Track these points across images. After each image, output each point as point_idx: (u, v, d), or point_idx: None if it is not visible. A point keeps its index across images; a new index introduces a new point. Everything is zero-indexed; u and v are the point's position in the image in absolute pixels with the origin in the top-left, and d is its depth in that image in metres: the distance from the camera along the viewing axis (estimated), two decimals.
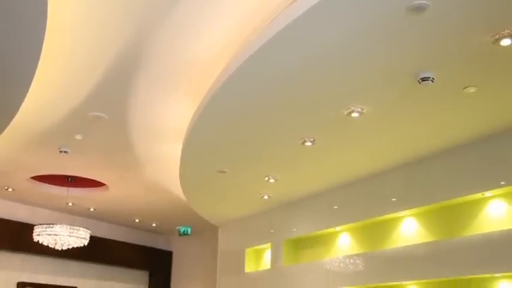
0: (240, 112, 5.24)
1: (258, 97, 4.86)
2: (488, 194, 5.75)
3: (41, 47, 3.97)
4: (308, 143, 5.83)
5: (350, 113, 5.01)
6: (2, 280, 9.87)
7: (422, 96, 4.73)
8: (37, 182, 9.12)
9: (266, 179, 7.22)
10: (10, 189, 9.46)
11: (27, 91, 4.80)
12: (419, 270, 6.17)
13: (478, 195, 5.82)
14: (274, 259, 8.74)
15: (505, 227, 5.46)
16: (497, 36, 3.69)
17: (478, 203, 5.92)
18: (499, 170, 5.51)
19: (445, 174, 6.08)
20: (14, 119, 5.63)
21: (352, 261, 7.14)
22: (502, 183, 5.47)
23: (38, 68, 4.34)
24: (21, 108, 5.30)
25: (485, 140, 5.62)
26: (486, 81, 4.45)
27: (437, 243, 6.14)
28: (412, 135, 5.73)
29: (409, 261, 6.34)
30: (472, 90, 4.55)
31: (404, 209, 6.64)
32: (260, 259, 9.53)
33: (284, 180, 7.33)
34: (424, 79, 4.30)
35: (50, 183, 9.23)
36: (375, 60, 4.15)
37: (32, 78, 4.51)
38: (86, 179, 8.80)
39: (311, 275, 7.90)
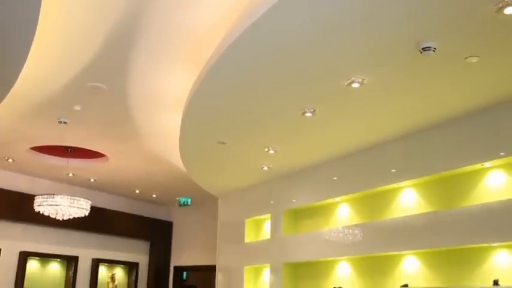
0: (240, 81, 5.20)
1: (258, 66, 4.81)
2: (487, 164, 5.75)
3: (39, 9, 3.85)
4: (308, 114, 5.81)
5: (350, 83, 4.97)
6: (5, 249, 9.97)
7: (424, 67, 4.68)
8: (37, 152, 9.14)
9: (266, 150, 7.23)
10: (10, 160, 9.48)
11: (26, 56, 4.70)
12: (418, 240, 6.21)
13: (478, 166, 5.82)
14: (274, 229, 8.81)
15: (504, 197, 5.48)
16: (500, 5, 3.61)
17: (478, 174, 5.92)
18: (499, 141, 5.50)
19: (445, 145, 6.08)
20: (13, 88, 5.57)
21: (351, 231, 7.20)
22: (502, 154, 5.47)
23: (36, 32, 4.22)
24: (20, 77, 5.23)
25: (486, 111, 5.59)
26: (489, 51, 4.38)
27: (436, 213, 6.16)
28: (412, 106, 5.70)
29: (408, 231, 6.38)
30: (474, 60, 4.50)
31: (403, 180, 6.65)
32: (260, 229, 9.60)
33: (284, 151, 7.33)
34: (425, 49, 4.24)
35: (49, 154, 9.25)
36: (376, 30, 4.09)
37: (31, 41, 4.39)
38: (86, 149, 8.81)
39: (311, 245, 7.97)
